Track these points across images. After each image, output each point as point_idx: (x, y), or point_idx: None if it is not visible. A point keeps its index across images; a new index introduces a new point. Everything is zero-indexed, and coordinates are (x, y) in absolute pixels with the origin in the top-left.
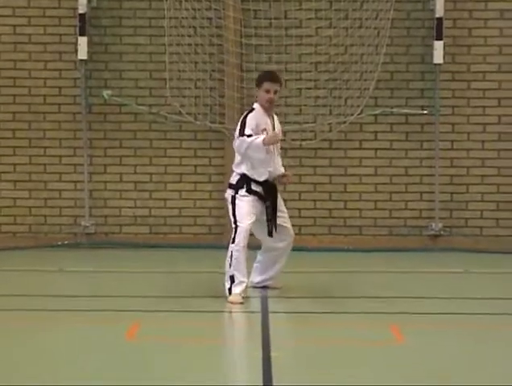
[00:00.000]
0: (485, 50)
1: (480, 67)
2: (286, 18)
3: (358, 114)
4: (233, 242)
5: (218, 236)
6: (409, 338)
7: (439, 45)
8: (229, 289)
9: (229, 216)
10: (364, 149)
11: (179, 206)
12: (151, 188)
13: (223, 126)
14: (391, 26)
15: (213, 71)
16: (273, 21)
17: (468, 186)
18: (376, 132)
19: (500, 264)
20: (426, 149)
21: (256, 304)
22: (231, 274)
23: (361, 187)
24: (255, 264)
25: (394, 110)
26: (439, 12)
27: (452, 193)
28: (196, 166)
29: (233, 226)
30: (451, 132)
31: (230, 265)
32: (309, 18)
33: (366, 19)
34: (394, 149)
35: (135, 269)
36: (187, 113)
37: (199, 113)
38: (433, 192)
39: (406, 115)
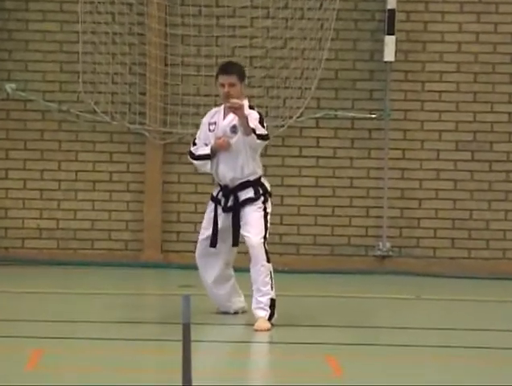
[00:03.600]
0: (442, 47)
1: (436, 66)
2: (217, 5)
3: (298, 117)
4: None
5: (136, 253)
6: (347, 371)
7: (390, 40)
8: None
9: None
10: (304, 156)
11: (91, 218)
12: (60, 197)
13: (143, 127)
14: (336, 18)
15: (133, 64)
16: (203, 9)
17: (421, 201)
18: (318, 137)
19: (454, 290)
20: (374, 159)
21: (177, 331)
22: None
23: (300, 200)
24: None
25: (339, 113)
26: (392, 3)
27: (402, 209)
28: (111, 172)
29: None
30: (402, 139)
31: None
32: (243, 7)
33: (308, 9)
34: (337, 158)
35: (40, 290)
36: (102, 112)
37: (116, 112)
38: (381, 207)
39: (353, 119)
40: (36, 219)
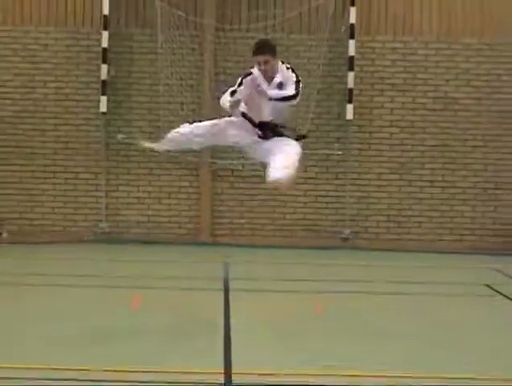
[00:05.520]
0: (381, 111)
1: (378, 122)
2: None
3: None
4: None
5: (195, 236)
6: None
7: (350, 107)
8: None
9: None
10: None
11: (168, 215)
12: (149, 202)
13: (199, 159)
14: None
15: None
16: None
17: (369, 204)
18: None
19: (385, 258)
20: (340, 179)
21: (219, 282)
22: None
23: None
24: None
25: (319, 152)
26: (350, 84)
27: (358, 209)
28: (180, 186)
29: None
30: (357, 167)
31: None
32: None
33: None
34: (318, 179)
35: (139, 258)
36: None
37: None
38: (345, 208)
39: (328, 154)
40: (136, 215)
